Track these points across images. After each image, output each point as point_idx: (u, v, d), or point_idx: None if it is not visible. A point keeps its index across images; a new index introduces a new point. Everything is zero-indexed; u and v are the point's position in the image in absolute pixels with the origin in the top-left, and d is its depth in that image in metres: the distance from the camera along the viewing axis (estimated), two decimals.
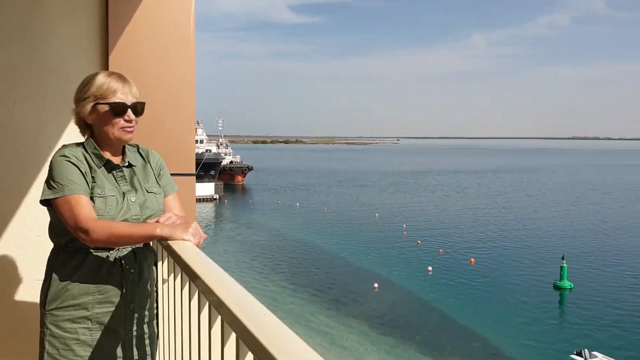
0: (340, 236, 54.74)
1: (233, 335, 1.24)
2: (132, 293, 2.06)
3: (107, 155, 2.07)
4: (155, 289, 2.25)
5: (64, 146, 2.05)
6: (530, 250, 47.99)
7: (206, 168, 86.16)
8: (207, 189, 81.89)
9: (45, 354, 2.01)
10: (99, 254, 2.01)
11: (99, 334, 2.01)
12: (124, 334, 2.06)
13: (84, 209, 1.89)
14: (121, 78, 2.06)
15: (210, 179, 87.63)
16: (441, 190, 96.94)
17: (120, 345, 2.06)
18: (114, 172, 2.07)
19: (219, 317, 1.35)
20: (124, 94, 2.03)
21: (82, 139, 2.10)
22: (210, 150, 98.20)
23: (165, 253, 2.07)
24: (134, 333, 2.10)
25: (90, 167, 2.01)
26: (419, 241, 51.00)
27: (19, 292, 2.81)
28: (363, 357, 25.46)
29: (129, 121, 2.05)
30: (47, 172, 2.00)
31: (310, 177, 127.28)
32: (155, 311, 2.25)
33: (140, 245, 2.10)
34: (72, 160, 1.96)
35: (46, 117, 2.90)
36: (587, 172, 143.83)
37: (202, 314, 1.55)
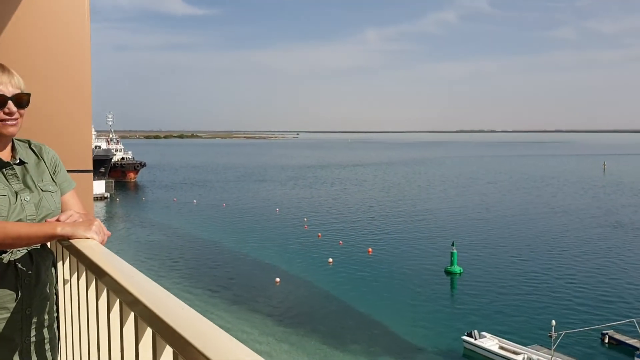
0: (240, 232, 54.42)
1: (149, 331, 1.24)
2: (29, 297, 1.95)
3: None
4: (55, 291, 2.14)
5: None
6: (423, 239, 50.72)
7: (96, 165, 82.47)
8: (97, 187, 78.40)
9: None
10: None
11: None
12: (20, 341, 1.95)
13: None
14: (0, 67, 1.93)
15: (100, 176, 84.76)
16: (340, 184, 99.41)
17: (16, 353, 1.94)
18: (4, 170, 1.94)
19: (132, 313, 1.33)
20: (2, 84, 1.89)
21: None
22: (99, 147, 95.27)
23: (66, 253, 1.98)
24: (33, 339, 1.99)
25: None
26: (319, 234, 52.01)
27: None
28: (266, 350, 25.54)
29: (10, 114, 1.91)
30: None
31: (207, 172, 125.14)
32: (55, 314, 2.15)
33: (37, 246, 1.99)
34: None
35: None
36: (472, 163, 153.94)
37: (112, 313, 1.51)
